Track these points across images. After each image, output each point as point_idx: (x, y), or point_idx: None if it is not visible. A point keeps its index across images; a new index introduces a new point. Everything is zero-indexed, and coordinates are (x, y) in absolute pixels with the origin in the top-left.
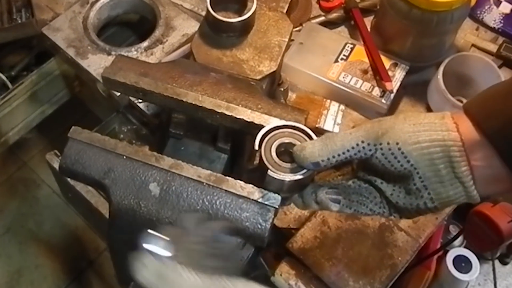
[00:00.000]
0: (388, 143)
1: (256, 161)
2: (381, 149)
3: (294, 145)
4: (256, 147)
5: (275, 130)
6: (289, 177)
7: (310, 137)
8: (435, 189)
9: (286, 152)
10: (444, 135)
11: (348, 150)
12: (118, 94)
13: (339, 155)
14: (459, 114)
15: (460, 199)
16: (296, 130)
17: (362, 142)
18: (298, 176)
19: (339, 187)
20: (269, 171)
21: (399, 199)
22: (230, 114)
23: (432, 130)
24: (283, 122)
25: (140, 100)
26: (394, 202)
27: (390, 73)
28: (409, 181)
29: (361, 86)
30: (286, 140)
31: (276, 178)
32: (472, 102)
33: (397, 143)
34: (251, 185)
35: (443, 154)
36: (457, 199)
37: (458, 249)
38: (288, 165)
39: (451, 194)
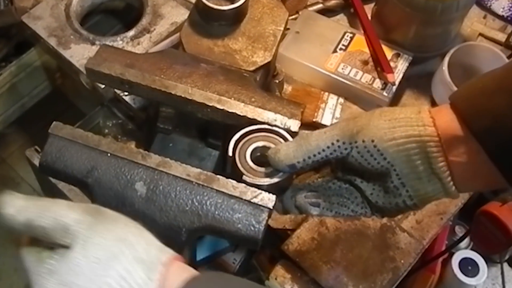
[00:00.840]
0: (364, 141)
1: (229, 170)
2: (357, 147)
3: (269, 148)
4: (230, 154)
5: (250, 134)
6: (265, 182)
7: (286, 139)
8: (413, 186)
9: (261, 156)
10: (420, 130)
11: (323, 150)
12: (103, 86)
13: (314, 155)
14: (437, 108)
15: (439, 195)
16: (271, 133)
17: (337, 141)
18: (275, 180)
19: (318, 190)
20: (244, 176)
21: (379, 198)
22: (221, 107)
23: (408, 126)
24: (257, 126)
25: (126, 93)
26: (374, 202)
27: (392, 64)
28: (386, 179)
29: (361, 78)
30: (261, 143)
31: (252, 184)
32: (459, 95)
33: (373, 141)
34: (243, 185)
35: (419, 150)
36: (435, 195)
37: (464, 251)
38: (263, 170)
39: (429, 191)
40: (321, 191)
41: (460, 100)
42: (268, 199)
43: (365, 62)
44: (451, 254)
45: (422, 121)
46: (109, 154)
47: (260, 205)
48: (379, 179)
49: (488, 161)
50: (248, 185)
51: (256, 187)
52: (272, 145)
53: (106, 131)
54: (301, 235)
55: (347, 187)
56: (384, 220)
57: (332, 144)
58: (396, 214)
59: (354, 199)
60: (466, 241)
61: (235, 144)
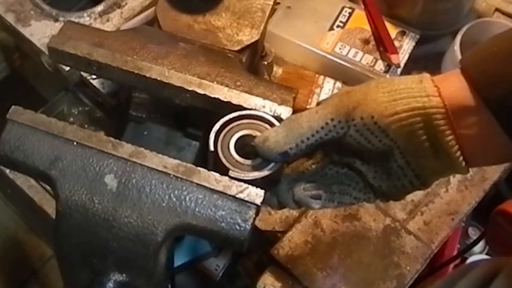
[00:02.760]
0: (362, 118)
1: (211, 166)
2: (355, 125)
3: (254, 137)
4: (212, 148)
5: (231, 123)
6: (256, 176)
7: (273, 125)
8: (419, 164)
9: (247, 147)
10: (424, 101)
11: (317, 132)
12: (67, 68)
13: (308, 138)
14: (442, 76)
15: (448, 172)
16: (255, 119)
17: (332, 120)
18: (265, 172)
19: (316, 179)
20: (230, 172)
21: (382, 181)
22: (202, 92)
23: (411, 97)
24: (237, 113)
25: (93, 76)
26: (377, 186)
27: (396, 43)
28: (389, 159)
29: (361, 59)
30: (245, 132)
31: (241, 180)
32: (470, 60)
33: (372, 117)
34: (227, 178)
35: (424, 124)
36: (444, 172)
37: (479, 257)
38: (251, 162)
39: (437, 168)
40: (319, 180)
41: (472, 65)
42: (256, 194)
43: (366, 41)
44: (464, 260)
45: (425, 91)
46: (75, 143)
47: (246, 201)
48: (380, 159)
49: (501, 133)
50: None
51: (247, 183)
52: (257, 133)
53: (71, 119)
54: (293, 237)
55: (345, 172)
56: (388, 221)
57: (327, 124)
58: (402, 197)
59: (355, 185)
60: (480, 244)
61: (215, 136)
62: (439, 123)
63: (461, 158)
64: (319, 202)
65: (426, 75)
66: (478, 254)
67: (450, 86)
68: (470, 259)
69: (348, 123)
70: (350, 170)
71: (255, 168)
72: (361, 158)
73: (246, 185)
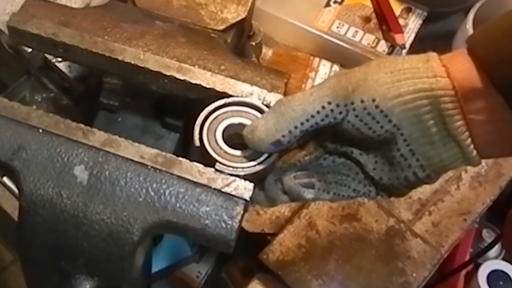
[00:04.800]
0: (362, 101)
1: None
2: (354, 109)
3: (244, 125)
4: (197, 143)
5: (215, 111)
6: (251, 169)
7: (262, 112)
8: (424, 153)
9: (236, 137)
10: (431, 82)
11: (312, 116)
12: (30, 50)
13: (302, 123)
14: (450, 54)
15: (457, 162)
16: (243, 106)
17: (329, 103)
18: (260, 167)
19: (309, 168)
20: (216, 164)
21: (384, 173)
22: (182, 78)
23: (416, 78)
24: (222, 101)
25: (59, 59)
26: (378, 179)
27: (401, 21)
28: (391, 147)
29: (361, 40)
30: (233, 121)
31: (236, 175)
32: (480, 38)
33: (374, 100)
34: (212, 169)
35: (431, 107)
36: (452, 163)
37: (494, 262)
38: (241, 153)
39: (445, 158)
40: (313, 169)
41: (480, 44)
42: (244, 188)
43: (367, 19)
44: (477, 266)
45: (432, 71)
46: (41, 130)
47: (233, 196)
48: (381, 148)
49: None
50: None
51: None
52: (247, 121)
53: (34, 107)
54: (284, 241)
55: (343, 162)
56: (391, 222)
57: (323, 107)
58: (406, 192)
59: (355, 176)
60: (496, 248)
61: (200, 128)
62: (447, 107)
63: (471, 146)
64: (311, 191)
65: (433, 54)
66: (493, 260)
67: (458, 66)
68: (484, 265)
69: (347, 107)
70: (347, 159)
71: (248, 159)
72: (359, 147)
73: (233, 177)
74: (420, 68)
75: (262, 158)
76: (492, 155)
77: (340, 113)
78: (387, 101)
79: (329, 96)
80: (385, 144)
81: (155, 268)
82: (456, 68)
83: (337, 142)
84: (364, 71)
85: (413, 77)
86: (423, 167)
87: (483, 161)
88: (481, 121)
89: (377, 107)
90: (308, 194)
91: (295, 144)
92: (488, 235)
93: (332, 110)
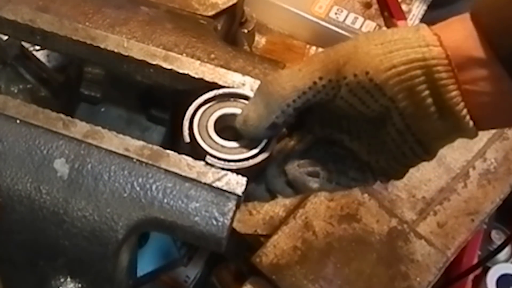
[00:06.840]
0: (355, 75)
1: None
2: (347, 84)
3: (235, 116)
4: (187, 139)
5: (204, 105)
6: (242, 164)
7: None
8: (420, 126)
9: (229, 129)
10: (424, 52)
11: (304, 93)
12: (5, 38)
13: (294, 101)
14: (443, 23)
15: (453, 135)
16: (235, 97)
17: (320, 79)
18: (262, 156)
19: (312, 155)
20: (207, 157)
21: (378, 155)
22: (169, 67)
23: (408, 48)
24: (213, 93)
25: (37, 47)
26: (374, 162)
27: (404, 7)
28: (386, 123)
29: (361, 27)
30: (225, 111)
31: (239, 168)
32: (484, 5)
33: (367, 73)
34: (202, 163)
35: (425, 77)
36: (449, 135)
37: (504, 266)
38: (235, 144)
39: (441, 130)
40: (315, 156)
41: (485, 11)
42: (237, 183)
43: (367, 5)
44: (486, 270)
45: (424, 40)
46: (18, 121)
47: (225, 191)
48: (373, 128)
49: None
50: (234, 171)
51: (241, 171)
52: (238, 110)
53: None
54: (279, 243)
55: (337, 151)
56: (394, 222)
57: (314, 83)
58: (404, 171)
59: (351, 163)
60: (506, 251)
61: (190, 123)
62: (441, 76)
63: (467, 117)
64: (317, 180)
65: (423, 24)
66: (503, 263)
67: (452, 35)
68: (494, 269)
69: (339, 82)
70: (341, 149)
71: (245, 149)
72: (349, 133)
73: (224, 171)
74: (411, 38)
75: (260, 147)
76: (489, 126)
77: (333, 88)
78: (380, 73)
79: (320, 71)
80: (379, 122)
81: (140, 272)
82: (450, 36)
83: (325, 126)
84: (354, 44)
85: (405, 47)
86: (420, 141)
87: (492, 157)
88: (478, 92)
89: (371, 80)
90: (314, 183)
91: (291, 121)
92: (497, 237)
93: (324, 86)
